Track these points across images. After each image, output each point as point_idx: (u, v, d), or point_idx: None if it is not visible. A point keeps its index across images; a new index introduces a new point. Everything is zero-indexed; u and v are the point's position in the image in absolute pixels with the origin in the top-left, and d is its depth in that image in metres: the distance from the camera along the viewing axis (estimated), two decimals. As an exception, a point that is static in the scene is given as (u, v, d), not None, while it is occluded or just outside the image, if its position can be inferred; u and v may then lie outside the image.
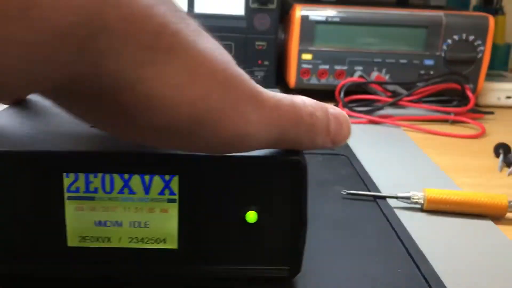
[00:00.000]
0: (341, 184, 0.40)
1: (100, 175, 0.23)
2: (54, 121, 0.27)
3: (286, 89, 0.73)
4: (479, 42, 0.67)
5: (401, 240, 0.32)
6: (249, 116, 0.20)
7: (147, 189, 0.23)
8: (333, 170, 0.44)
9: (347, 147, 0.50)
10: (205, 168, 0.23)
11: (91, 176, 0.23)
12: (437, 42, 0.67)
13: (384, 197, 0.38)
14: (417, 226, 0.35)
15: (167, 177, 0.23)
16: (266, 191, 0.24)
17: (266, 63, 0.64)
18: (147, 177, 0.23)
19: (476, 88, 0.68)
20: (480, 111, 0.66)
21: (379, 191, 0.39)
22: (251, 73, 0.62)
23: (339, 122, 0.24)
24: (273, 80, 0.65)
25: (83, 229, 0.23)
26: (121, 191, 0.23)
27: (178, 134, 0.18)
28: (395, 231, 0.33)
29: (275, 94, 0.22)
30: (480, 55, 0.67)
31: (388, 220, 0.35)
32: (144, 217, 0.23)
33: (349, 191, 0.38)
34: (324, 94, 0.69)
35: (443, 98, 0.65)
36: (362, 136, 0.56)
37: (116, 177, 0.23)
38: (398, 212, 0.37)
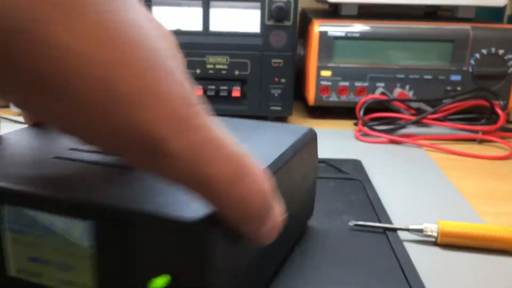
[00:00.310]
0: (351, 213, 0.38)
1: (32, 211, 0.22)
2: (32, 150, 0.27)
3: (306, 106, 0.71)
4: (509, 56, 0.63)
5: (407, 280, 0.29)
6: (171, 123, 0.16)
7: (69, 232, 0.22)
8: (345, 196, 0.41)
9: (362, 170, 0.48)
10: (116, 217, 0.21)
11: (24, 211, 0.22)
12: (464, 57, 0.64)
13: (394, 229, 0.35)
14: (429, 262, 0.33)
15: (85, 223, 0.21)
16: (170, 253, 0.20)
17: (282, 80, 0.62)
18: (69, 220, 0.22)
19: (507, 105, 0.64)
20: (511, 129, 0.62)
21: (390, 222, 0.37)
22: (267, 91, 0.60)
23: (276, 224, 0.21)
24: (290, 98, 0.63)
25: (20, 261, 0.23)
26: (48, 230, 0.22)
27: (80, 98, 0.15)
28: (402, 270, 0.31)
29: (231, 138, 0.18)
30: (511, 69, 0.63)
31: (396, 256, 0.32)
32: (68, 260, 0.22)
33: (357, 222, 0.36)
34: (345, 112, 0.67)
35: (471, 116, 0.62)
36: (381, 157, 0.53)
37: (45, 216, 0.22)
38: (410, 246, 0.34)
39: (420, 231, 0.35)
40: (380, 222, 0.37)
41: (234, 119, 0.34)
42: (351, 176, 0.46)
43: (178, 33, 0.62)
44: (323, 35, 0.63)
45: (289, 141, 0.29)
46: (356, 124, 0.63)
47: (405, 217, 0.39)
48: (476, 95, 0.62)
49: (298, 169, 0.30)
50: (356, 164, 0.49)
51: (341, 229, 0.36)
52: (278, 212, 0.21)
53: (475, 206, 0.41)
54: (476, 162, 0.53)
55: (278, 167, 0.26)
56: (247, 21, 0.61)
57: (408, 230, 0.35)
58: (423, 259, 0.33)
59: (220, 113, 0.64)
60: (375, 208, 0.39)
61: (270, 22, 0.60)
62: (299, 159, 0.30)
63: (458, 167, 0.51)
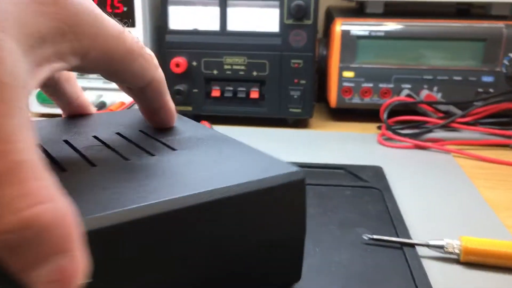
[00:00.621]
0: (366, 225, 0.36)
1: None
2: None
3: (328, 108, 0.68)
4: (547, 55, 0.59)
5: (423, 304, 0.27)
6: None
7: None
8: (361, 206, 0.39)
9: (383, 178, 0.45)
10: None
11: None
12: (497, 57, 0.60)
13: (412, 245, 0.33)
14: (449, 282, 0.30)
15: None
16: None
17: (302, 82, 0.60)
18: None
19: (545, 108, 0.60)
20: (549, 134, 0.58)
21: (408, 236, 0.34)
22: (287, 92, 0.57)
23: (66, 276, 0.15)
24: (311, 99, 0.61)
25: None
26: None
27: None
28: (418, 291, 0.28)
29: (26, 136, 0.15)
30: (549, 70, 0.59)
31: (412, 275, 0.29)
32: None
33: (371, 236, 0.33)
34: (369, 114, 0.64)
35: (504, 120, 0.58)
36: (404, 164, 0.50)
37: None
38: (429, 264, 0.31)
39: (440, 247, 0.32)
40: (397, 236, 0.34)
41: (230, 139, 0.29)
42: (370, 184, 0.43)
43: (195, 33, 0.60)
44: (345, 34, 0.61)
45: (241, 179, 0.23)
46: (379, 128, 0.60)
47: (426, 230, 0.36)
48: (510, 97, 0.58)
49: (238, 218, 0.23)
50: (377, 171, 0.46)
51: (354, 243, 0.33)
52: (76, 264, 0.15)
53: (504, 220, 0.38)
54: (508, 170, 0.49)
55: (178, 207, 0.20)
56: (265, 20, 0.59)
57: (427, 246, 0.32)
58: (443, 278, 0.30)
59: (238, 115, 0.62)
60: (393, 221, 0.36)
61: (290, 21, 0.58)
62: (238, 205, 0.23)
63: (488, 176, 0.48)
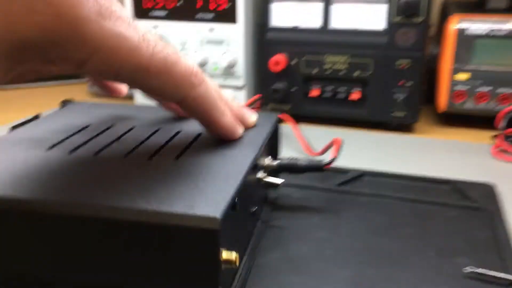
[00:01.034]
0: (469, 255, 0.32)
1: None
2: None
3: (436, 111, 0.63)
4: None
5: None
6: None
7: None
8: (466, 231, 0.35)
9: (495, 199, 0.40)
10: None
11: None
12: None
13: (524, 285, 0.28)
14: None
15: None
16: None
17: (408, 84, 0.55)
18: None
19: None
20: None
21: (520, 273, 0.30)
22: (390, 95, 0.53)
23: None
24: (416, 103, 0.56)
25: None
26: None
27: None
28: None
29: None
30: None
31: (521, 324, 0.26)
32: None
33: (474, 269, 0.29)
34: (482, 121, 0.58)
35: None
36: (522, 183, 0.44)
37: None
38: (544, 310, 0.27)
39: (559, 293, 0.27)
40: (505, 271, 0.30)
41: (242, 168, 0.28)
42: (478, 205, 0.38)
43: (296, 30, 0.58)
44: (461, 32, 0.55)
45: (154, 205, 0.22)
46: (494, 138, 0.54)
47: (542, 267, 0.31)
48: None
49: (123, 245, 0.23)
50: (488, 190, 0.41)
51: (452, 275, 0.30)
52: None
53: None
54: None
55: None
56: (371, 17, 0.55)
57: (543, 289, 0.28)
58: (561, 330, 0.26)
59: (337, 117, 0.59)
60: (503, 252, 0.32)
61: (398, 19, 0.54)
62: (125, 231, 0.23)
63: None
